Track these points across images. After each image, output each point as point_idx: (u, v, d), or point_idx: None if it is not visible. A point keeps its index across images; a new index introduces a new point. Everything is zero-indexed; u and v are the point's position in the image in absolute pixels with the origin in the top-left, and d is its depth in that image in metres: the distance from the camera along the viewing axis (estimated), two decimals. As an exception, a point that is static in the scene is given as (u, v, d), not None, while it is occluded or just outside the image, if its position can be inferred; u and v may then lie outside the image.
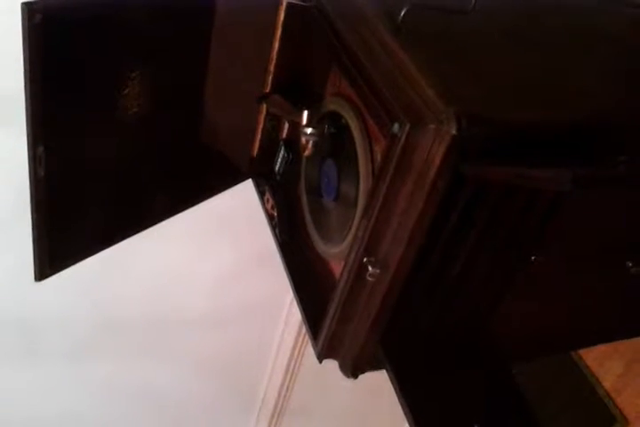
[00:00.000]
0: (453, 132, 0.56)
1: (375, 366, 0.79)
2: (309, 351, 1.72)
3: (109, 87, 0.77)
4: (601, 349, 1.37)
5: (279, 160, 0.96)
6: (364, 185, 0.72)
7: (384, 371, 0.77)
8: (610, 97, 0.70)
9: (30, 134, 0.73)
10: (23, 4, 0.65)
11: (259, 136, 0.96)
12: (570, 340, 0.94)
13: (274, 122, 0.95)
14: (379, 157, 0.69)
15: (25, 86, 0.69)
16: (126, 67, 0.77)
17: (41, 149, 0.74)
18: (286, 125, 0.95)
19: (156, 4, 0.76)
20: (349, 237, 0.75)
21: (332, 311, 0.74)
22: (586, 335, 0.93)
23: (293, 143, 0.94)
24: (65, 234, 0.84)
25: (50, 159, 0.75)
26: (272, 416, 2.09)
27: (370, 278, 0.67)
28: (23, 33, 0.66)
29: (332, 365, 0.81)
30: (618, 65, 0.78)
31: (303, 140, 0.80)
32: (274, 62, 0.87)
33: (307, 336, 1.15)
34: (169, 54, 0.81)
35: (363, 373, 0.81)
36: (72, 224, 0.85)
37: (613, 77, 0.75)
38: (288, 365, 1.90)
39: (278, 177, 0.97)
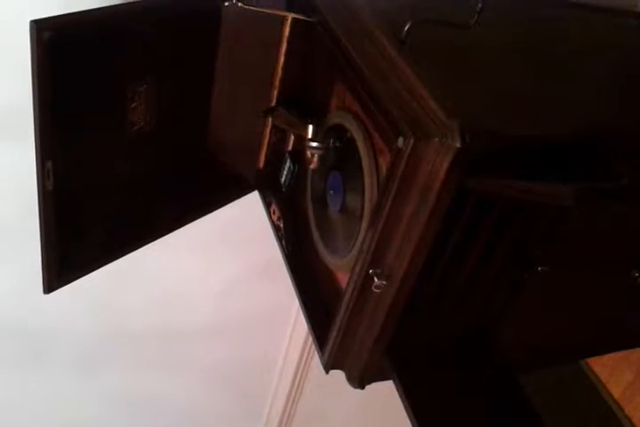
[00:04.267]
0: (457, 145, 0.56)
1: (382, 377, 0.79)
2: (316, 361, 1.72)
3: (117, 102, 0.78)
4: (610, 357, 1.36)
5: (285, 172, 0.96)
6: (369, 197, 0.72)
7: (391, 381, 0.78)
8: (611, 109, 0.71)
9: (39, 149, 0.73)
10: (32, 21, 0.66)
11: (264, 149, 0.97)
12: (577, 350, 0.94)
13: (279, 134, 0.95)
14: (384, 170, 0.69)
15: (34, 101, 0.70)
16: (134, 82, 0.78)
17: (50, 163, 0.75)
18: (292, 138, 0.96)
19: (162, 19, 0.76)
20: (355, 249, 0.76)
21: (338, 322, 0.74)
22: (592, 345, 0.93)
23: (299, 155, 0.94)
24: (73, 247, 0.85)
25: (58, 173, 0.76)
26: (279, 426, 2.09)
27: (376, 290, 0.67)
28: (32, 50, 0.67)
29: (338, 374, 0.81)
30: (619, 77, 0.78)
31: (309, 153, 0.81)
32: (279, 76, 0.88)
33: (313, 346, 1.15)
34: (176, 68, 0.82)
35: (369, 383, 0.81)
36: (80, 237, 0.85)
37: (615, 89, 0.76)
38: (295, 374, 1.90)
39: (284, 189, 0.98)
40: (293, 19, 0.82)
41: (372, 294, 0.69)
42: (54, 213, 0.79)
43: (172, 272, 1.50)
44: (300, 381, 1.93)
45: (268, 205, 1.01)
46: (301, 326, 1.72)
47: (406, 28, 0.68)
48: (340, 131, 0.79)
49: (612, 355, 1.34)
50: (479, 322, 0.79)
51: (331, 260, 0.85)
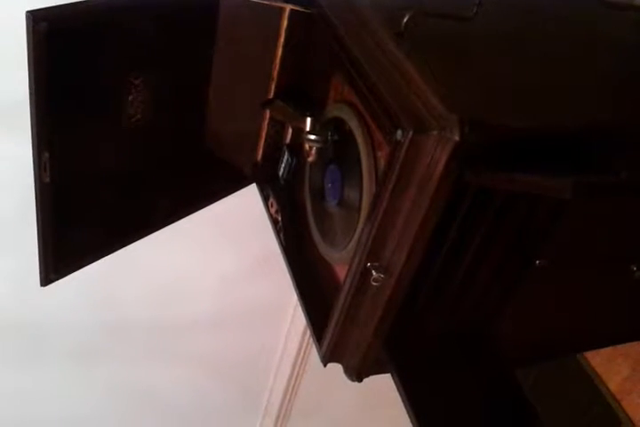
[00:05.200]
0: (456, 138, 0.56)
1: (380, 370, 0.79)
2: (314, 353, 1.73)
3: (113, 94, 0.78)
4: (607, 351, 1.36)
5: (283, 165, 0.96)
6: (367, 191, 0.72)
7: (389, 374, 0.78)
8: (611, 103, 0.70)
9: (35, 141, 0.73)
10: (28, 12, 0.65)
11: (262, 141, 0.96)
12: (574, 343, 0.94)
13: (277, 127, 0.95)
14: (382, 164, 0.69)
15: (30, 93, 0.70)
16: (130, 73, 0.77)
17: (46, 155, 0.74)
18: (290, 130, 0.95)
19: (159, 11, 0.76)
20: (353, 242, 0.75)
21: (336, 316, 0.74)
22: (590, 339, 0.93)
23: (297, 148, 0.94)
24: (70, 239, 0.84)
25: (55, 165, 0.76)
26: (277, 419, 2.09)
27: (374, 283, 0.67)
28: (28, 40, 0.66)
29: (336, 367, 0.81)
30: (618, 70, 0.78)
31: (307, 146, 0.81)
32: (277, 69, 0.88)
33: (311, 339, 1.15)
34: (173, 60, 0.81)
35: (367, 376, 0.81)
36: (77, 230, 0.85)
37: (614, 83, 0.75)
38: (293, 367, 1.91)
39: (282, 181, 0.98)
40: (291, 10, 0.82)
41: (371, 288, 0.69)
42: (51, 205, 0.78)
43: (170, 265, 1.50)
44: (298, 373, 1.93)
45: (265, 199, 1.00)
46: (300, 318, 1.72)
47: (405, 21, 0.67)
48: (338, 123, 0.78)
49: (609, 348, 1.34)
50: (477, 316, 0.79)
51: (329, 253, 0.85)
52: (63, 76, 0.71)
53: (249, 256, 1.55)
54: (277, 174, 0.98)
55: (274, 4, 0.80)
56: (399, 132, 0.58)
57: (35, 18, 0.65)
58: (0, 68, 1.05)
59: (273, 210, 0.99)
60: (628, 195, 0.60)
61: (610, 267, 0.82)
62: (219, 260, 1.54)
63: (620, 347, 1.30)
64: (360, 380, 0.81)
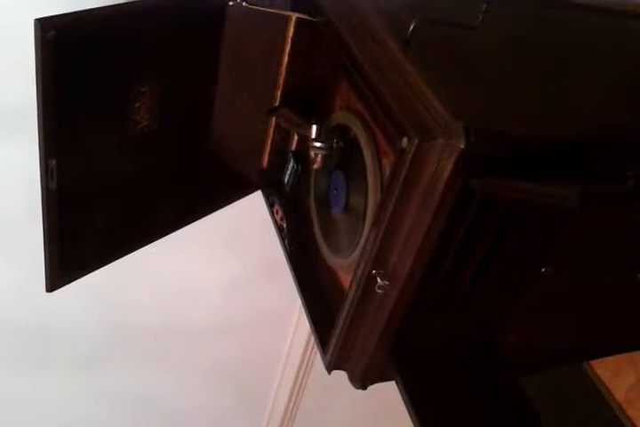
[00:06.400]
0: (462, 146, 0.56)
1: (384, 377, 0.79)
2: (318, 360, 1.72)
3: (121, 101, 0.78)
4: (613, 359, 1.36)
5: (288, 172, 0.96)
6: (372, 198, 0.72)
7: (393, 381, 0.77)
8: (616, 111, 0.70)
9: (42, 147, 0.74)
10: (36, 20, 0.66)
11: (268, 148, 0.97)
12: (579, 351, 0.93)
13: (283, 134, 0.95)
14: (387, 171, 0.69)
15: (37, 100, 0.70)
16: (137, 81, 0.78)
17: (53, 162, 0.75)
18: (295, 137, 0.95)
19: (166, 19, 0.76)
20: (358, 249, 0.75)
21: (340, 323, 0.74)
22: (595, 347, 0.93)
23: (302, 155, 0.94)
24: (76, 245, 0.85)
25: (61, 172, 0.76)
26: (281, 425, 2.09)
27: (379, 291, 0.67)
28: (36, 48, 0.67)
29: (341, 373, 0.81)
30: (623, 79, 0.78)
31: (312, 153, 0.81)
32: (283, 76, 0.88)
33: (316, 346, 1.15)
34: (179, 68, 0.82)
35: (372, 384, 0.81)
36: (83, 236, 0.85)
37: (619, 89, 0.75)
38: (297, 373, 1.90)
39: (287, 188, 0.98)
40: (297, 18, 0.82)
41: (375, 295, 0.69)
42: (57, 212, 0.79)
43: (175, 271, 1.50)
44: (302, 379, 1.93)
45: (271, 205, 1.01)
46: (304, 325, 1.72)
47: (411, 29, 0.68)
48: (343, 131, 0.79)
49: (615, 356, 1.33)
50: (482, 323, 0.79)
51: (334, 260, 0.85)
52: (70, 84, 0.71)
53: (254, 263, 1.55)
54: (283, 181, 0.98)
55: (280, 12, 0.81)
56: (405, 140, 0.58)
57: (43, 26, 0.65)
58: (6, 74, 1.05)
59: (278, 217, 0.99)
60: (634, 204, 0.60)
61: (615, 274, 0.81)
62: (224, 266, 1.54)
63: (625, 355, 1.29)
64: (364, 387, 0.80)
